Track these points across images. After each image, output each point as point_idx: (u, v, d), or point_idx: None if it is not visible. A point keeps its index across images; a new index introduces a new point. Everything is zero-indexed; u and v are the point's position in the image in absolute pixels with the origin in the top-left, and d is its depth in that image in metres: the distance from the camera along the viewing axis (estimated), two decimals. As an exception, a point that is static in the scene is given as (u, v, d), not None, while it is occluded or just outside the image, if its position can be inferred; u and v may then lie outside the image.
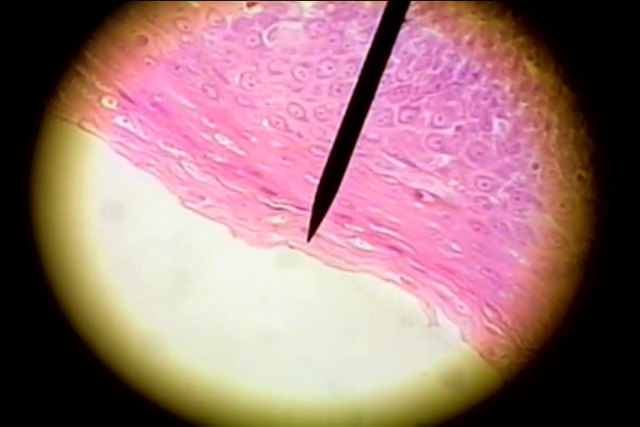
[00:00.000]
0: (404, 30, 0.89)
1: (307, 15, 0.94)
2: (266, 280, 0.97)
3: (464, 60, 0.93)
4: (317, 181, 0.88)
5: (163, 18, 0.94)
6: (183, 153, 0.97)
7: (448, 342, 0.96)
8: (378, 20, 0.86)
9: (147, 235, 0.97)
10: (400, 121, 0.94)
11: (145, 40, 0.95)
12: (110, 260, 0.96)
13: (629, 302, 0.93)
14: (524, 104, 0.93)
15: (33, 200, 0.94)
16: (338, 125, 0.87)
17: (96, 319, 0.95)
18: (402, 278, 0.97)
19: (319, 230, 0.89)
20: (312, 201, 0.88)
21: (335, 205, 0.89)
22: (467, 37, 0.93)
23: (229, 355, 0.96)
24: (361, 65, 0.86)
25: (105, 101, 0.96)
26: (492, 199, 0.95)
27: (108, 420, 0.94)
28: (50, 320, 0.94)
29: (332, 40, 0.94)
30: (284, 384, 0.96)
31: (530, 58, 0.93)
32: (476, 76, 0.93)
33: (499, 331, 0.96)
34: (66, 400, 0.94)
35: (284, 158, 0.97)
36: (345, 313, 0.97)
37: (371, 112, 0.87)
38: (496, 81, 0.93)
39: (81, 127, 0.96)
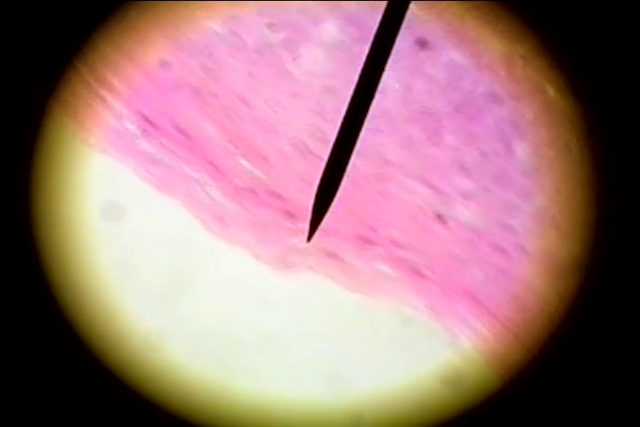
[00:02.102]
0: (424, 53, 0.89)
1: (329, 40, 0.94)
2: (266, 280, 0.97)
3: (485, 85, 0.94)
4: (331, 199, 0.88)
5: (186, 42, 0.95)
6: (206, 178, 0.97)
7: (448, 342, 0.96)
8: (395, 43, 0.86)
9: (147, 235, 0.97)
10: (422, 145, 0.95)
11: (168, 64, 0.95)
12: (110, 260, 0.96)
13: (629, 301, 0.93)
14: (544, 127, 0.94)
15: (33, 200, 0.94)
16: (358, 149, 0.88)
17: (96, 319, 0.95)
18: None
19: (341, 254, 0.88)
20: (311, 202, 0.88)
21: (357, 228, 0.88)
22: (488, 62, 0.94)
23: (229, 355, 0.96)
24: (381, 87, 0.86)
25: (128, 125, 0.96)
26: (514, 223, 0.95)
27: (108, 419, 0.94)
28: (50, 320, 0.93)
29: (354, 64, 0.94)
30: (283, 384, 0.95)
31: (550, 81, 0.94)
32: (498, 100, 0.94)
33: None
34: (66, 399, 0.94)
35: (305, 181, 0.97)
36: (345, 313, 0.96)
37: (393, 135, 0.88)
38: (517, 105, 0.94)
39: (103, 152, 0.96)
